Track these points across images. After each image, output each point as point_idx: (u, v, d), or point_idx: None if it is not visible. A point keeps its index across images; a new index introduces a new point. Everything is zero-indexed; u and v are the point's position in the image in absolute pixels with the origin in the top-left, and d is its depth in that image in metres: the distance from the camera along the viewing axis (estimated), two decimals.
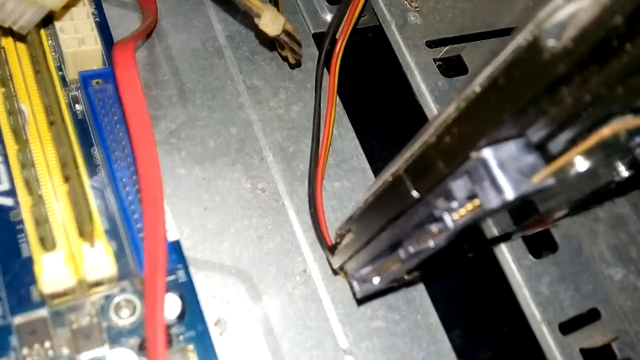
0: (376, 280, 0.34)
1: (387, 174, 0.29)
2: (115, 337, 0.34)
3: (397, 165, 0.28)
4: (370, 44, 0.49)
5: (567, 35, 0.19)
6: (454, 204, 0.26)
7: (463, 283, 0.45)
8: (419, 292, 0.42)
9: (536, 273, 0.41)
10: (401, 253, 0.30)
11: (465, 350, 0.42)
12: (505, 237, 0.40)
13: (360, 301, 0.39)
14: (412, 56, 0.44)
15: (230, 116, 0.43)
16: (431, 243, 0.29)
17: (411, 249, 0.29)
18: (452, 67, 0.47)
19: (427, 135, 0.26)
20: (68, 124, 0.35)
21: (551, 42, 0.20)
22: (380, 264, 0.33)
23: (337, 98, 0.45)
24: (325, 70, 0.44)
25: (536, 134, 0.25)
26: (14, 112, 0.35)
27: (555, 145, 0.25)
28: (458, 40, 0.46)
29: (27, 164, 0.34)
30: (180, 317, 0.34)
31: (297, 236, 0.41)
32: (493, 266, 0.43)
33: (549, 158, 0.26)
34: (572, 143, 0.26)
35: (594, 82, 0.21)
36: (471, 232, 0.32)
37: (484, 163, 0.24)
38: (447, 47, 0.45)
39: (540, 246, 0.43)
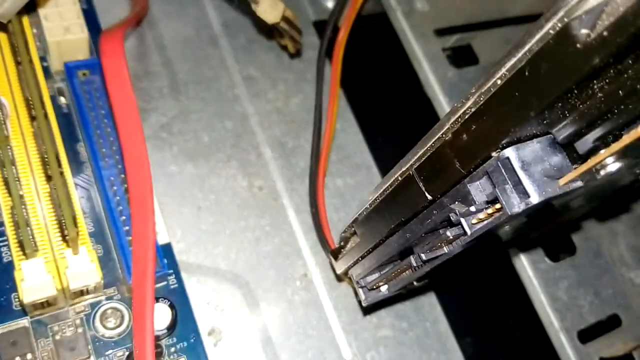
0: (384, 288, 0.32)
1: (397, 173, 0.27)
2: (101, 348, 0.31)
3: (408, 163, 0.26)
4: (375, 32, 0.46)
5: (603, 23, 0.17)
6: (472, 208, 0.23)
7: (475, 288, 0.42)
8: (429, 298, 0.40)
9: (553, 277, 0.39)
10: (412, 260, 0.27)
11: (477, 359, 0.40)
12: (521, 240, 0.37)
13: (366, 310, 0.37)
14: (419, 45, 0.41)
15: (226, 109, 0.41)
16: (446, 249, 0.27)
17: (423, 256, 0.26)
18: (462, 57, 0.44)
19: (441, 132, 0.24)
20: (51, 119, 0.33)
21: (584, 31, 0.18)
22: (389, 270, 0.30)
23: (340, 90, 0.42)
24: (327, 60, 0.41)
25: (563, 132, 0.22)
26: None
27: (583, 145, 0.23)
28: (468, 28, 0.43)
29: (6, 162, 0.31)
30: (171, 327, 0.31)
31: (297, 238, 0.39)
32: (507, 270, 0.40)
33: (576, 158, 0.23)
34: (602, 141, 0.23)
35: (629, 75, 0.18)
36: (489, 236, 0.29)
37: (506, 164, 0.22)
38: (456, 36, 0.42)
39: (558, 248, 0.40)
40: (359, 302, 0.36)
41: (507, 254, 0.39)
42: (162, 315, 0.31)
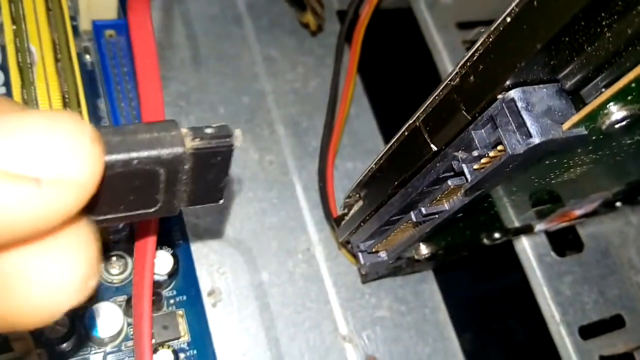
0: (383, 253, 0.32)
1: (403, 128, 0.27)
2: (102, 292, 0.32)
3: (415, 116, 0.26)
4: (397, 26, 0.47)
5: None
6: (475, 153, 0.23)
7: (478, 284, 0.42)
8: (429, 285, 0.39)
9: (558, 272, 0.38)
10: (413, 216, 0.27)
11: (475, 356, 0.39)
12: (526, 230, 0.37)
13: (365, 279, 0.37)
14: (440, 36, 0.42)
15: (243, 85, 0.41)
16: (446, 205, 0.27)
17: (424, 210, 0.26)
18: None
19: (449, 78, 0.24)
20: (75, 64, 0.34)
21: None
22: (389, 233, 0.30)
23: (358, 77, 0.43)
24: (347, 45, 0.42)
25: (570, 78, 0.22)
26: (22, 51, 0.33)
27: (589, 93, 0.23)
28: (491, 23, 0.44)
29: (29, 102, 0.32)
30: (171, 275, 0.31)
31: (303, 213, 0.39)
32: (513, 267, 0.40)
33: (582, 108, 0.24)
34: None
35: (637, 10, 0.18)
36: (488, 204, 0.29)
37: (511, 106, 0.22)
38: (478, 29, 0.43)
39: (565, 245, 0.40)
40: (359, 270, 0.36)
41: (512, 248, 0.39)
42: (164, 261, 0.31)
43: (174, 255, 0.32)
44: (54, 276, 0.15)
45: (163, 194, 0.19)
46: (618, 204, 0.36)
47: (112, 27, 0.37)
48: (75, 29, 0.38)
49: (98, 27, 0.37)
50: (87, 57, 0.38)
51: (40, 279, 0.15)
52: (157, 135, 0.18)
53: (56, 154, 0.14)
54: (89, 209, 0.16)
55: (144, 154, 0.17)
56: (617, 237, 0.41)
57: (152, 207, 0.20)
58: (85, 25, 0.38)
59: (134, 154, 0.17)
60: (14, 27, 0.34)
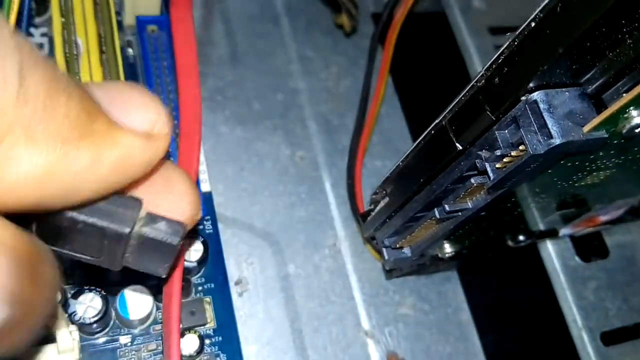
0: (407, 250, 0.33)
1: (430, 127, 0.28)
2: (135, 276, 0.33)
3: (441, 116, 0.27)
4: (429, 29, 0.48)
5: None
6: (497, 152, 0.24)
7: (502, 287, 0.42)
8: (453, 285, 0.40)
9: (582, 277, 0.38)
10: (436, 212, 0.28)
11: (496, 358, 0.39)
12: (551, 233, 0.37)
13: (390, 275, 0.37)
14: (472, 40, 0.43)
15: (279, 82, 0.43)
16: (469, 204, 0.27)
17: (447, 207, 0.27)
18: None
19: (475, 80, 0.25)
20: (118, 56, 0.35)
21: None
22: (413, 230, 0.31)
23: (389, 77, 0.43)
24: (380, 46, 0.43)
25: (592, 82, 0.23)
26: (69, 43, 0.35)
27: (611, 97, 0.23)
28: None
29: None
30: (201, 262, 0.33)
31: (331, 209, 0.40)
32: (537, 271, 0.40)
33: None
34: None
35: None
36: (512, 205, 0.30)
37: (534, 107, 0.23)
38: (509, 35, 0.43)
39: (590, 250, 0.40)
40: (383, 266, 0.37)
41: (537, 250, 0.39)
42: (194, 249, 0.33)
43: (204, 243, 0.33)
44: None
45: (106, 253, 0.21)
46: None
47: (154, 23, 0.39)
48: (119, 23, 0.39)
49: (141, 22, 0.39)
50: (130, 50, 0.39)
51: None
52: (116, 210, 0.20)
53: (157, 116, 0.20)
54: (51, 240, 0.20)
55: (93, 220, 0.19)
56: None
57: (95, 257, 0.21)
58: (129, 20, 0.39)
59: (85, 218, 0.19)
60: (63, 19, 0.36)
